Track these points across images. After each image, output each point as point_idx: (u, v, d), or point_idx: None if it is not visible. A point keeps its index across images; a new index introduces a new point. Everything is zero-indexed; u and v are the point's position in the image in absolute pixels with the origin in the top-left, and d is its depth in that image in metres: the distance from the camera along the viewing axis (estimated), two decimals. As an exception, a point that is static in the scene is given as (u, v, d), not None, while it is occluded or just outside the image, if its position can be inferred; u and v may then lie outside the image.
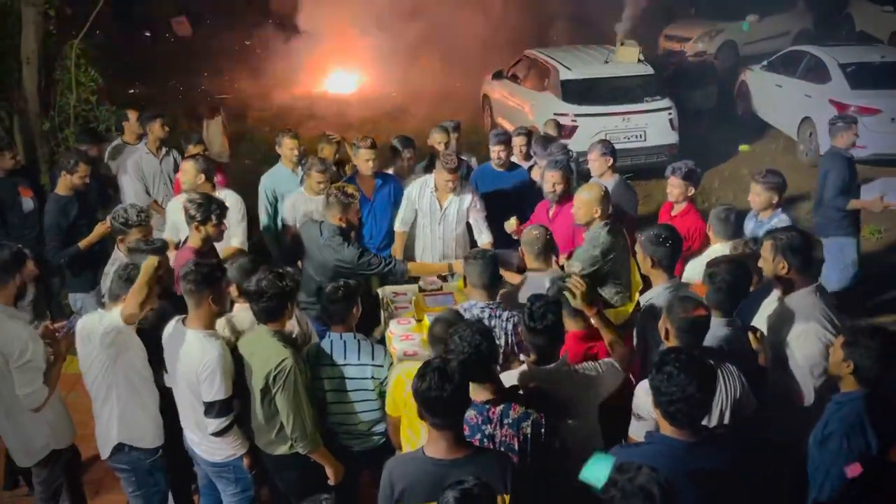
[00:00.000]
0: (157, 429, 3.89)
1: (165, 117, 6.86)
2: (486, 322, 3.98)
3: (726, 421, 3.25)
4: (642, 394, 3.23)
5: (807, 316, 3.57)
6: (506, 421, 3.10)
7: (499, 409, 3.11)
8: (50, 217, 5.45)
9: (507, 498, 2.77)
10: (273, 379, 3.54)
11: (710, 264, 3.71)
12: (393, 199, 6.02)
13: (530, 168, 6.61)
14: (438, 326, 3.58)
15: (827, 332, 3.52)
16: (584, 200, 4.83)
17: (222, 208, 4.70)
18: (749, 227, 5.48)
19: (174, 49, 14.37)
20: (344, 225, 4.93)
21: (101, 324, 3.61)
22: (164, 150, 6.73)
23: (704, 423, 3.03)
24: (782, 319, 3.67)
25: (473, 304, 4.02)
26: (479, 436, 3.10)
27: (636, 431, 3.25)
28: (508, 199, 5.97)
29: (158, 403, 3.90)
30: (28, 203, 5.84)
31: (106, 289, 3.86)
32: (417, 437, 3.54)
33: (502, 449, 3.09)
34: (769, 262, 3.71)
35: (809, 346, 3.51)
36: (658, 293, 3.96)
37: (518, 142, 6.70)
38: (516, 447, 3.11)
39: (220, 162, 8.61)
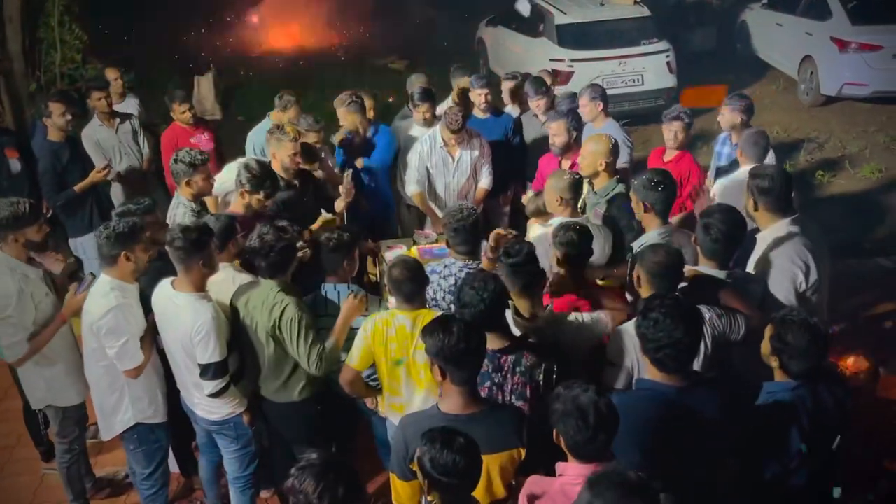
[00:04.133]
0: (164, 401, 3.92)
1: (107, 89, 6.38)
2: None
3: (709, 352, 3.21)
4: (618, 340, 3.22)
5: (775, 248, 3.64)
6: (518, 369, 3.08)
7: (511, 357, 3.09)
8: (43, 162, 5.60)
9: (522, 451, 2.78)
10: (279, 326, 3.57)
11: (704, 215, 3.65)
12: (388, 151, 5.95)
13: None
14: (397, 270, 3.51)
15: (794, 265, 3.59)
16: (590, 151, 4.60)
17: (275, 187, 4.61)
18: (724, 151, 5.56)
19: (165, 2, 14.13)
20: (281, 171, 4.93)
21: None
22: (117, 119, 6.38)
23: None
24: (758, 253, 3.73)
25: (452, 263, 4.01)
26: (488, 383, 3.07)
27: (610, 378, 3.22)
28: (492, 146, 5.83)
29: (163, 376, 3.91)
30: (15, 164, 5.80)
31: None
32: (399, 384, 3.54)
33: (513, 398, 3.08)
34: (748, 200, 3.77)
35: (778, 280, 3.58)
36: (651, 238, 3.90)
37: (506, 86, 6.53)
38: (528, 394, 3.09)
39: (211, 119, 8.51)
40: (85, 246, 5.73)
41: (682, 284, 3.38)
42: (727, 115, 5.45)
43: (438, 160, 5.65)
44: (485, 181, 5.78)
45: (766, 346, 2.90)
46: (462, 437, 2.37)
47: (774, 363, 2.88)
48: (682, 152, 5.33)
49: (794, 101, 10.60)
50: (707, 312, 3.21)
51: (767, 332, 2.91)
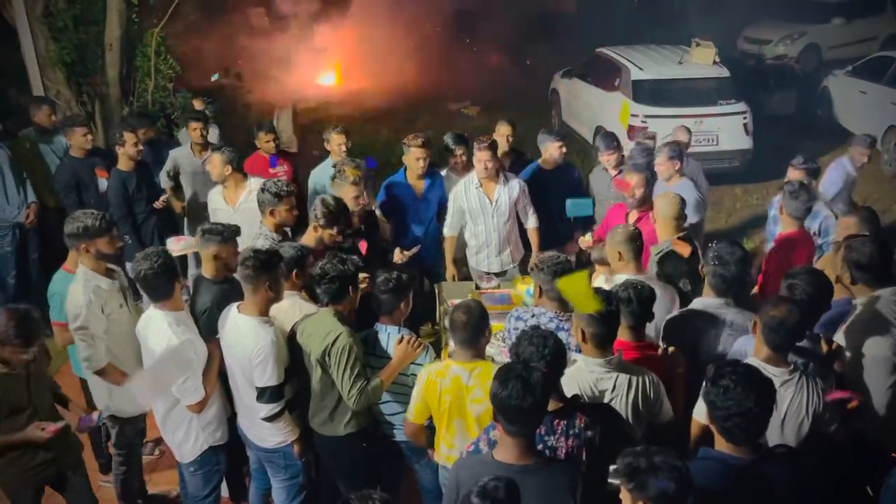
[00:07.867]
0: (226, 423, 4.00)
1: (206, 122, 6.62)
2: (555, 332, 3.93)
3: (805, 431, 3.13)
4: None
5: (877, 317, 3.52)
6: (571, 432, 2.99)
7: (564, 421, 3.00)
8: (111, 191, 5.95)
9: None
10: (329, 353, 3.60)
11: (789, 276, 3.59)
12: (440, 197, 5.95)
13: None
14: (458, 312, 3.46)
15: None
16: (667, 217, 4.59)
17: (348, 224, 4.76)
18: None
19: (253, 40, 14.73)
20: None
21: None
22: (209, 151, 6.44)
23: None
24: (855, 320, 3.62)
25: (543, 313, 3.87)
26: (541, 446, 2.96)
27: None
28: (560, 195, 5.79)
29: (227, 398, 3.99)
30: (104, 184, 6.13)
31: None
32: (452, 436, 3.50)
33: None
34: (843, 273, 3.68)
35: (876, 348, 3.44)
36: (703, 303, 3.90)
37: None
38: (584, 457, 2.99)
39: (289, 151, 8.75)
40: None
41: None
42: (789, 174, 5.41)
43: (475, 202, 5.57)
44: (532, 221, 5.73)
45: None
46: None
47: None
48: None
49: (877, 171, 10.26)
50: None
51: None
